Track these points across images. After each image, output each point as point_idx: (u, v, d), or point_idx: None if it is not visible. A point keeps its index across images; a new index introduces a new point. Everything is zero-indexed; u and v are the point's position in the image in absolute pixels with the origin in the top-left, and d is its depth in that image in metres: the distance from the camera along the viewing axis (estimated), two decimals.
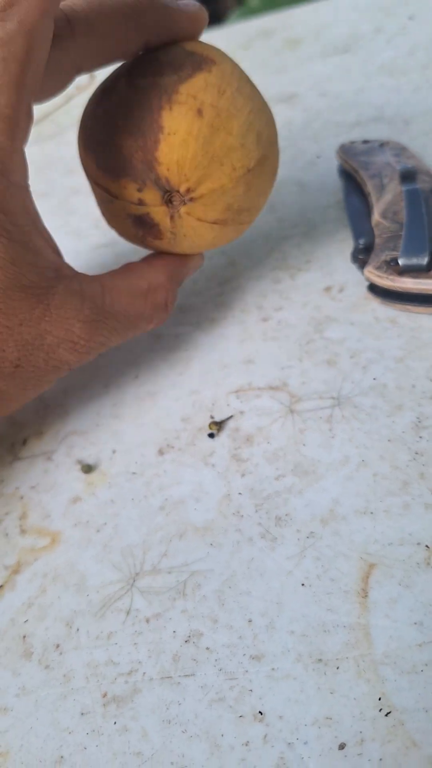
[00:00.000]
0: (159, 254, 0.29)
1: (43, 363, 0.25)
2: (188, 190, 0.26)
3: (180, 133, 0.25)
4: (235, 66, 0.27)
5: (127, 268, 0.28)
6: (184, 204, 0.26)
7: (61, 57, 0.24)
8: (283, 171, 0.42)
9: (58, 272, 0.24)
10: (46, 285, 0.24)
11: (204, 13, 0.27)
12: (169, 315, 0.29)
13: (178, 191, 0.26)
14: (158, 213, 0.27)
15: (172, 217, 0.27)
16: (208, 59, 0.26)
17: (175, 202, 0.26)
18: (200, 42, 0.27)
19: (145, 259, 0.29)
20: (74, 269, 0.26)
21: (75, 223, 0.44)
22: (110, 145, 0.26)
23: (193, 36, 0.27)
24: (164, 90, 0.25)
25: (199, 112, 0.25)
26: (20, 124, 0.22)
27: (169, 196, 0.26)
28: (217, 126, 0.25)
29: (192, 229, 0.27)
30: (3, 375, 0.24)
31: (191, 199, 0.26)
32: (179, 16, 0.26)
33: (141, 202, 0.26)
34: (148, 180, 0.25)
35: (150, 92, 0.25)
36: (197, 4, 0.27)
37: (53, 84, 0.25)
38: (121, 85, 0.26)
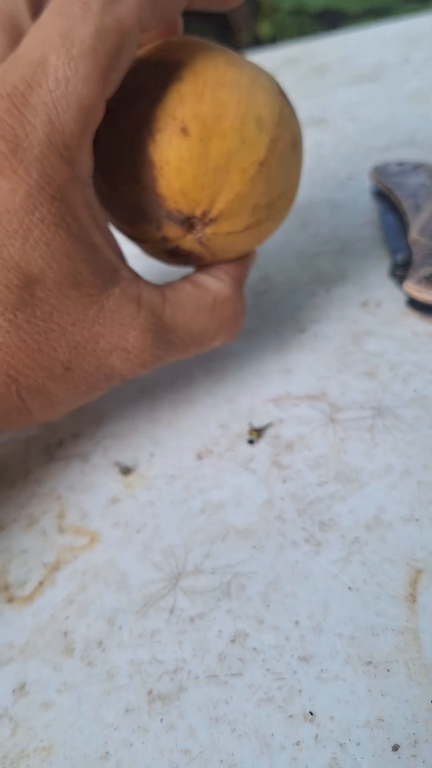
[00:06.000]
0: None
1: (94, 369, 0.24)
2: (204, 213, 0.24)
3: (171, 162, 0.23)
4: (207, 53, 0.24)
5: (191, 280, 0.27)
6: (207, 226, 0.25)
7: None
8: (314, 190, 0.43)
9: (116, 273, 0.24)
10: (101, 285, 0.23)
11: None
12: (240, 329, 0.28)
13: (195, 217, 0.25)
14: (186, 243, 0.26)
15: (201, 242, 0.26)
16: (173, 64, 0.24)
17: (197, 228, 0.25)
18: (167, 42, 0.25)
19: (208, 270, 0.28)
20: (137, 274, 0.25)
21: None
22: (115, 197, 0.25)
23: (232, 5, 0.26)
24: (142, 122, 0.24)
25: (183, 130, 0.23)
26: (93, 119, 0.22)
27: (189, 225, 0.25)
28: (206, 136, 0.23)
29: (228, 244, 0.26)
30: (53, 376, 0.23)
31: (212, 220, 0.25)
32: None
33: (165, 240, 0.26)
34: (161, 218, 0.25)
35: (130, 129, 0.24)
36: None
37: None
38: (101, 130, 0.24)
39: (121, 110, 0.24)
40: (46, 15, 0.21)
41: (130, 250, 0.38)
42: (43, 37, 0.21)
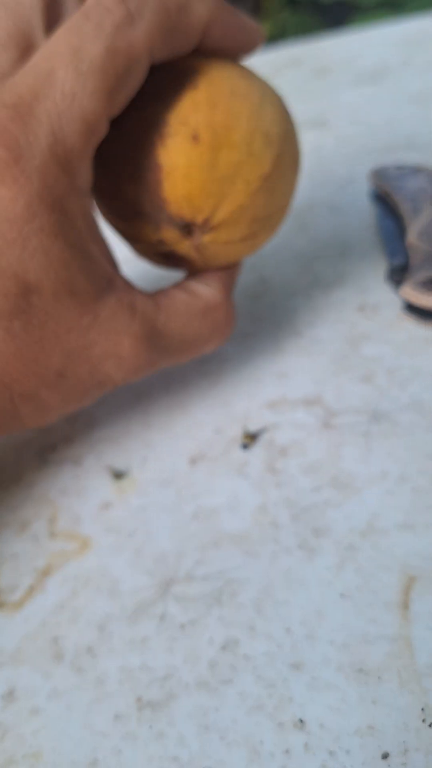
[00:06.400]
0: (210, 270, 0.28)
1: (87, 376, 0.24)
2: (205, 221, 0.24)
3: (180, 168, 0.23)
4: (220, 61, 0.24)
5: (183, 287, 0.27)
6: (205, 233, 0.25)
7: None
8: (314, 193, 0.42)
9: (111, 283, 0.24)
10: (96, 294, 0.23)
11: (262, 34, 0.26)
12: (231, 332, 0.28)
13: (195, 224, 0.25)
14: (182, 248, 0.26)
15: (197, 249, 0.26)
16: (190, 71, 0.24)
17: (195, 235, 0.25)
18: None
19: (199, 277, 0.28)
20: (131, 284, 0.25)
21: None
22: (114, 192, 0.25)
23: (245, 51, 0.26)
24: (152, 124, 0.23)
25: (195, 138, 0.23)
26: (97, 134, 0.22)
27: (188, 230, 0.25)
28: (217, 145, 0.23)
29: (222, 253, 0.26)
30: (47, 383, 0.23)
31: (212, 229, 0.25)
32: (243, 27, 0.25)
33: (161, 242, 0.26)
34: (161, 221, 0.25)
35: (138, 129, 0.24)
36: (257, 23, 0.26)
37: None
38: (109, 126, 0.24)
39: (129, 109, 0.24)
40: (59, 32, 0.22)
41: (119, 255, 0.38)
42: (54, 51, 0.21)
